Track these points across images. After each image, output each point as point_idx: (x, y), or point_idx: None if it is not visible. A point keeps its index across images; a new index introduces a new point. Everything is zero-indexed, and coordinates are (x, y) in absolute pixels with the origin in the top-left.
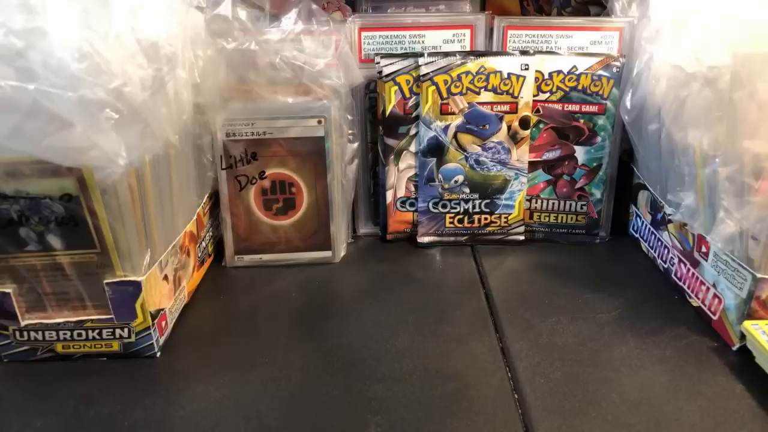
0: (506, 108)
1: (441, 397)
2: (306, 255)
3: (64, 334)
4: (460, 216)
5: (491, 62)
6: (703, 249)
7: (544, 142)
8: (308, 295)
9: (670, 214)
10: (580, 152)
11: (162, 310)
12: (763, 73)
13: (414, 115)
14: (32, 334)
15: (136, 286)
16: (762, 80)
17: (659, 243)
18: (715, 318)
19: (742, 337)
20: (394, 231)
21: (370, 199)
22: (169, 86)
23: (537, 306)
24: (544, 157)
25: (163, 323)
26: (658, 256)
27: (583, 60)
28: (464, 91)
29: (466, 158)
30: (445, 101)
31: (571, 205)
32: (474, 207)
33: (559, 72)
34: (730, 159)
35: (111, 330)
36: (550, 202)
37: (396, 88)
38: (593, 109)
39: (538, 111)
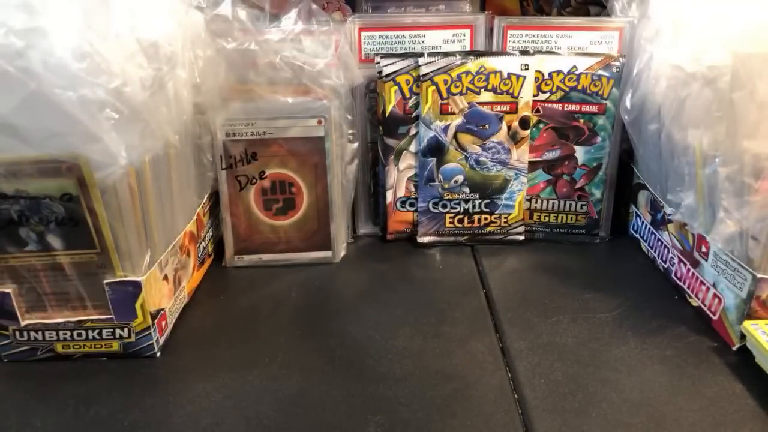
0: (506, 108)
1: (441, 397)
2: (306, 255)
3: (64, 334)
4: (460, 216)
5: (491, 62)
6: (703, 249)
7: (544, 142)
8: (308, 295)
9: (670, 214)
10: (580, 152)
11: (162, 310)
12: (763, 73)
13: (414, 115)
14: (32, 334)
15: (136, 286)
16: (762, 80)
17: (659, 243)
18: (715, 318)
19: (742, 337)
20: (394, 231)
21: (370, 199)
22: (169, 86)
23: (537, 306)
24: (544, 157)
25: (163, 323)
26: (658, 256)
27: (583, 60)
28: (464, 91)
29: (466, 158)
30: (445, 101)
31: (571, 205)
32: (474, 207)
33: (559, 72)
34: (730, 159)
35: (111, 330)
36: (550, 202)
37: (396, 88)
38: (593, 109)
39: (538, 111)
